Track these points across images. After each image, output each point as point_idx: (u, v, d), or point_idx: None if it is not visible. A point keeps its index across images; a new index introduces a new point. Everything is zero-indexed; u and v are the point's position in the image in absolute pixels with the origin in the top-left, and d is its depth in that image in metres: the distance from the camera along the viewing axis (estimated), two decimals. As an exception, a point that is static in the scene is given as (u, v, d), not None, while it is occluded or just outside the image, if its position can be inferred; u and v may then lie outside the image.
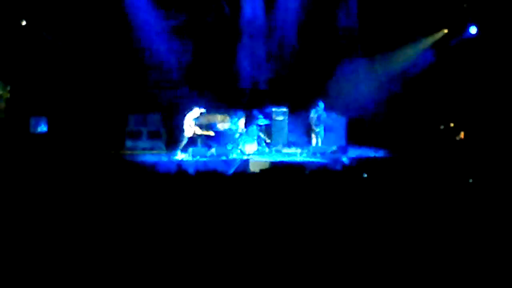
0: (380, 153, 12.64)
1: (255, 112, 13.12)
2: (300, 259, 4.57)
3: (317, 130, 12.94)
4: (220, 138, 12.81)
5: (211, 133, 12.67)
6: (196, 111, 12.19)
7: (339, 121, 13.60)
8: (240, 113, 12.81)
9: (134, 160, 11.67)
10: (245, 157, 12.15)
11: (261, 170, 9.25)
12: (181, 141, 12.30)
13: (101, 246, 4.84)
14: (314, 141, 12.94)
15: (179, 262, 4.55)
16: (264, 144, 13.09)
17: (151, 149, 13.15)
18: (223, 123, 13.31)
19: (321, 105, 12.78)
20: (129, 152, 12.89)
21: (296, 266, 4.49)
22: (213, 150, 12.30)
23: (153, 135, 13.40)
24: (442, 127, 14.07)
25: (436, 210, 5.80)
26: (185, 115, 12.54)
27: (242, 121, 12.94)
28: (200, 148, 12.30)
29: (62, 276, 4.27)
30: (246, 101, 13.94)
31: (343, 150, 12.86)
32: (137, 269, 4.50)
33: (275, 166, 10.95)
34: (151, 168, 9.64)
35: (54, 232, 5.26)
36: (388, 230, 5.13)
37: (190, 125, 12.27)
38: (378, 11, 13.73)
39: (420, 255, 4.67)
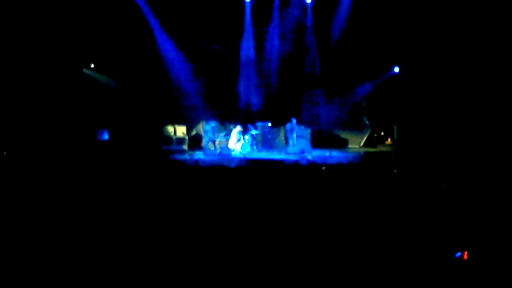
0: (332, 153, 14.30)
1: (249, 125, 15.09)
2: (281, 222, 5.52)
3: (291, 137, 14.77)
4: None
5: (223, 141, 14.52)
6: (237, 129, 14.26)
7: (305, 132, 15.41)
8: (239, 125, 14.78)
9: (168, 158, 13.51)
10: (242, 156, 13.74)
11: (252, 164, 11.54)
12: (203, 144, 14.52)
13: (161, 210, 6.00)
14: (287, 145, 14.77)
15: (206, 223, 5.52)
16: (255, 147, 14.95)
17: (178, 150, 14.97)
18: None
19: (294, 120, 14.81)
20: (164, 152, 14.56)
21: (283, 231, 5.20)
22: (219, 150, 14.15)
23: (180, 141, 15.40)
24: (375, 134, 16.10)
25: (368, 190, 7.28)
26: (201, 127, 14.45)
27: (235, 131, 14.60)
28: (212, 149, 14.35)
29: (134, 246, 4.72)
30: (243, 117, 15.91)
31: (307, 151, 14.51)
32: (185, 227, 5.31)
33: (264, 161, 12.73)
34: (180, 163, 12.35)
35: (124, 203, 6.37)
36: (337, 203, 6.41)
37: (209, 135, 14.30)
38: (328, 60, 15.94)
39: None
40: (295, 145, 14.74)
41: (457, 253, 4.47)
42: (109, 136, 15.05)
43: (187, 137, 15.45)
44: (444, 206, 6.44)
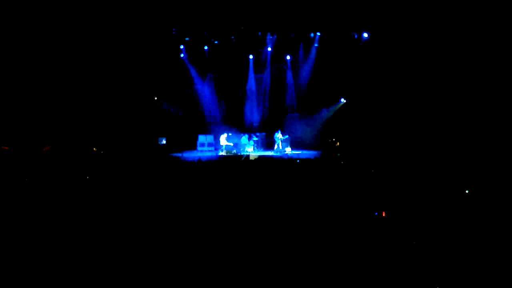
0: (303, 152, 16.58)
1: (252, 135, 18.15)
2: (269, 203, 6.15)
3: (278, 142, 17.45)
4: (237, 145, 17.38)
5: (231, 144, 17.15)
6: (225, 135, 17.11)
7: (286, 139, 17.54)
8: (246, 135, 17.82)
9: (203, 155, 16.25)
10: (247, 153, 16.42)
11: (255, 158, 13.97)
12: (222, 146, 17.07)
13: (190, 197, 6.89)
14: (275, 147, 17.43)
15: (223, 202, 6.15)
16: (255, 148, 17.62)
17: (208, 150, 18.08)
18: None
19: (279, 131, 17.60)
20: (199, 152, 17.70)
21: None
22: (234, 150, 16.89)
23: (209, 145, 18.43)
24: (330, 140, 18.27)
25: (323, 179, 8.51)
26: (220, 136, 17.30)
27: (245, 138, 17.28)
28: (229, 149, 16.96)
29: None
30: (248, 130, 19.06)
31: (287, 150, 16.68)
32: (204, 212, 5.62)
33: (261, 157, 14.94)
34: (209, 158, 15.18)
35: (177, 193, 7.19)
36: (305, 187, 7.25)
37: (223, 140, 17.09)
38: (301, 95, 19.13)
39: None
40: (280, 146, 17.56)
41: (376, 212, 4.92)
42: (166, 141, 18.33)
43: (213, 142, 18.65)
44: (371, 184, 7.46)
